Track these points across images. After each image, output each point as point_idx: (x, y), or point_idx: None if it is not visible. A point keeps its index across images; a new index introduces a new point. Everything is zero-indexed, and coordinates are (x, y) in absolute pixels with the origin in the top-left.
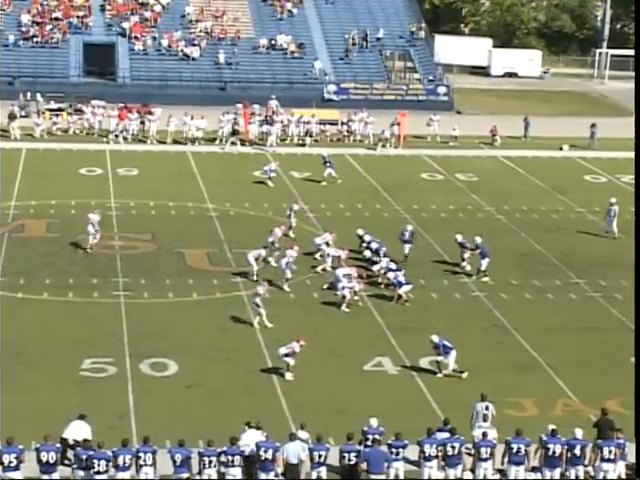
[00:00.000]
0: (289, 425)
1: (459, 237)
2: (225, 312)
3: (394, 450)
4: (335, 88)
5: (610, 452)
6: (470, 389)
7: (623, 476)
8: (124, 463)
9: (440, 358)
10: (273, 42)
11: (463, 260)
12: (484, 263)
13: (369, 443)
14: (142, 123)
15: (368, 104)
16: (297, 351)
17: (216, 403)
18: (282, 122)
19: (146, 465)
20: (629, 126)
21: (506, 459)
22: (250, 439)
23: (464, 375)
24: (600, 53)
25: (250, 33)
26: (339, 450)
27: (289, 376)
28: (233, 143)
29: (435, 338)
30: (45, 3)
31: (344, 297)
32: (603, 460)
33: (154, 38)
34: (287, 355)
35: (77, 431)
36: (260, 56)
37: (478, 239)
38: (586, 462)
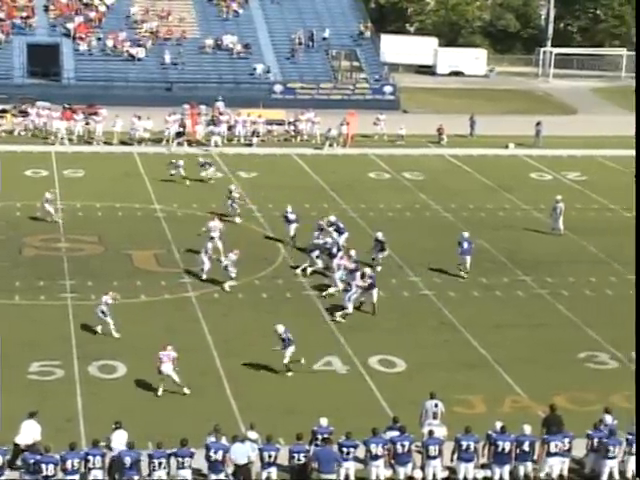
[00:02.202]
0: (239, 425)
1: (380, 235)
2: (173, 313)
3: (345, 450)
4: (281, 88)
5: (556, 446)
6: (419, 387)
7: (565, 473)
8: (72, 467)
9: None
10: (219, 42)
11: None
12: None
13: (319, 443)
14: (87, 124)
15: (315, 104)
16: (175, 356)
17: (165, 404)
18: (228, 122)
19: (95, 468)
20: (573, 124)
21: (455, 456)
22: (119, 440)
23: (290, 374)
24: (544, 52)
25: (196, 33)
26: (288, 450)
27: (160, 392)
28: (179, 144)
29: (280, 328)
30: None
31: (345, 309)
32: (549, 455)
33: (99, 38)
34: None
35: (28, 434)
36: (206, 56)
37: (466, 234)
38: (535, 458)
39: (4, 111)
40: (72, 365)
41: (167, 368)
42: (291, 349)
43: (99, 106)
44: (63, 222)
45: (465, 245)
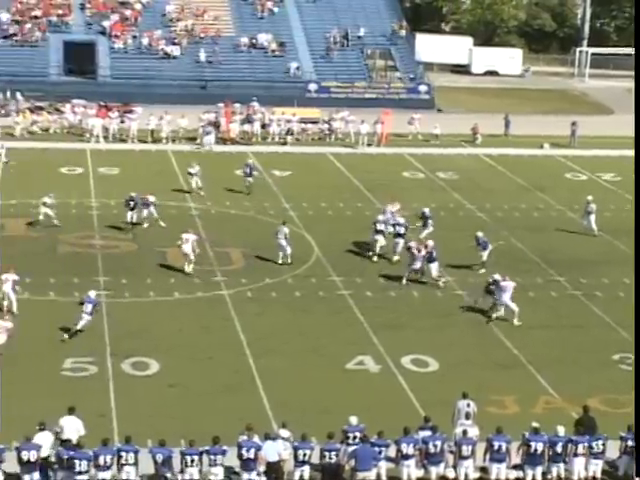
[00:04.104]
0: (271, 424)
1: (426, 210)
2: (206, 311)
3: (376, 449)
4: (316, 87)
5: (584, 448)
6: (452, 387)
7: (598, 475)
8: (105, 463)
9: None
10: (254, 41)
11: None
12: (485, 254)
13: (350, 442)
14: (122, 122)
15: (349, 103)
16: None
17: (198, 402)
18: (262, 121)
19: (128, 464)
20: (609, 124)
21: (487, 457)
22: (43, 441)
23: None
24: (580, 51)
25: (231, 32)
26: (320, 449)
27: None
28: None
29: None
30: (25, 1)
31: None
32: (576, 456)
33: (134, 37)
34: None
35: (73, 429)
36: (241, 55)
37: (480, 234)
38: (567, 459)
39: (40, 108)
40: (105, 362)
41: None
42: None
43: (134, 104)
44: (98, 219)
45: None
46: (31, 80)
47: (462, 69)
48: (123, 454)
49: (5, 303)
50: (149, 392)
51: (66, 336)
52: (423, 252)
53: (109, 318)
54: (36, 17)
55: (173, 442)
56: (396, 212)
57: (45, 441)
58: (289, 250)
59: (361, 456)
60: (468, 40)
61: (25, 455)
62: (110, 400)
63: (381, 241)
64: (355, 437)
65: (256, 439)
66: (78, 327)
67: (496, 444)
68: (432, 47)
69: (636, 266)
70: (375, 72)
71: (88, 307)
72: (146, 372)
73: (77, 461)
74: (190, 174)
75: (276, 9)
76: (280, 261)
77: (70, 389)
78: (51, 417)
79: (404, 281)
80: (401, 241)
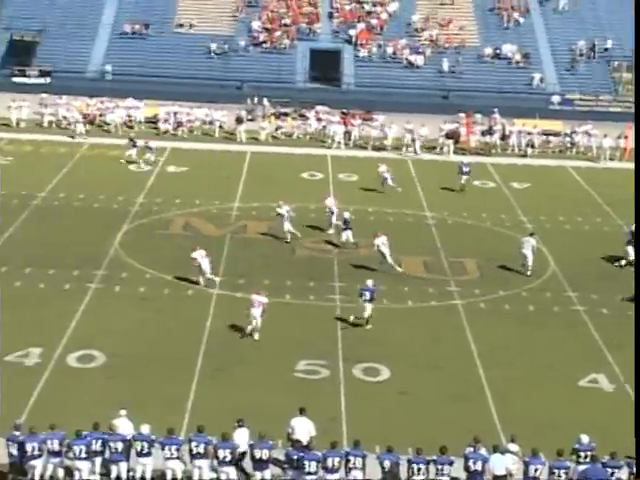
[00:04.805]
0: (499, 436)
1: None
2: (439, 320)
3: (608, 470)
4: (559, 99)
5: None
6: None
7: None
8: (333, 465)
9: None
10: (498, 51)
11: None
12: None
13: (581, 460)
14: (363, 130)
15: (593, 116)
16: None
17: (426, 410)
18: (502, 132)
19: (355, 469)
20: None
21: None
22: (241, 438)
23: None
24: None
25: (475, 42)
26: (549, 466)
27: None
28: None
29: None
30: (275, 10)
31: None
32: None
33: (379, 45)
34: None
35: (304, 431)
36: (484, 65)
37: None
38: None
39: (285, 114)
40: (337, 365)
41: (256, 312)
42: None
43: (375, 112)
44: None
45: None
46: (278, 86)
47: None
48: (351, 458)
49: (201, 279)
50: (379, 398)
51: (352, 318)
52: None
53: (343, 322)
54: (285, 25)
55: (401, 449)
56: None
57: (242, 438)
58: (531, 262)
59: (591, 476)
60: None
61: (257, 453)
62: (341, 404)
63: (630, 253)
64: (586, 456)
65: (483, 451)
66: (366, 316)
67: None
68: None
69: (636, 270)
70: (621, 85)
71: (366, 295)
72: (377, 378)
73: (306, 462)
74: (384, 177)
75: (522, 19)
76: (522, 268)
77: (302, 390)
78: (282, 416)
79: None
80: None
